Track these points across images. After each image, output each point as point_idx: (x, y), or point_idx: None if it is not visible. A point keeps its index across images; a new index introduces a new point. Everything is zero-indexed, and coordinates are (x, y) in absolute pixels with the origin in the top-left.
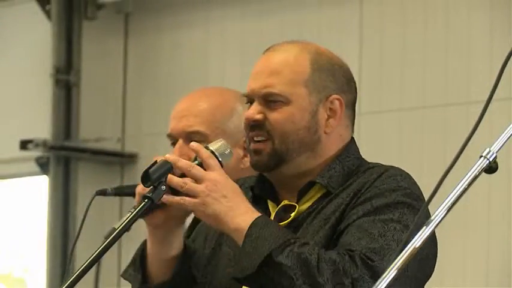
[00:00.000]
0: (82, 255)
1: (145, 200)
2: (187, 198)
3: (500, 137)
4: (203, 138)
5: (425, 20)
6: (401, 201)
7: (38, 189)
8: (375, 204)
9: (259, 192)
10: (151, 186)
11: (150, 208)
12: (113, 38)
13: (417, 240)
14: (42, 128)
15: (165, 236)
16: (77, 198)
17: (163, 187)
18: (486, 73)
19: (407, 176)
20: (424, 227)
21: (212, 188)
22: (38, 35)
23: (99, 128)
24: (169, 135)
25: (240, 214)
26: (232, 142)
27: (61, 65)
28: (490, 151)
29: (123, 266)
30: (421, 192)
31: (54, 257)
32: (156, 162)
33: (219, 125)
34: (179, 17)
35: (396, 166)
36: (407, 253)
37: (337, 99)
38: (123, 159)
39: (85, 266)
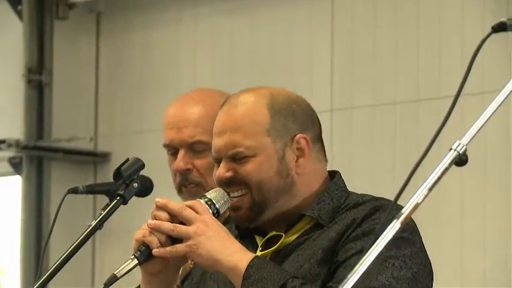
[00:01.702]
0: (55, 254)
1: (118, 198)
2: (178, 245)
3: (470, 130)
4: (205, 147)
5: (396, 16)
6: (398, 236)
7: (11, 189)
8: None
9: (245, 228)
10: (124, 184)
11: (147, 256)
12: (85, 37)
13: (387, 235)
14: (15, 128)
15: (161, 283)
16: (50, 198)
17: (135, 185)
18: (458, 68)
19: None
20: (395, 220)
21: (204, 229)
22: (9, 35)
23: (72, 128)
24: (168, 146)
25: (234, 252)
26: None
27: (33, 65)
28: (460, 144)
29: (97, 265)
30: (415, 225)
31: (28, 256)
32: (128, 160)
33: None
34: (150, 16)
35: (388, 199)
36: (377, 247)
37: (303, 137)
38: (96, 158)
39: (57, 265)
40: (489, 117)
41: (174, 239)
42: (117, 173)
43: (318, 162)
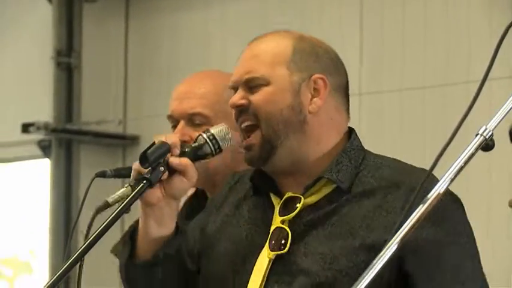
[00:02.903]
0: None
1: (144, 181)
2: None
3: (497, 115)
4: (205, 120)
5: (425, 0)
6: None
7: (40, 172)
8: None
9: (260, 184)
10: (150, 168)
11: (145, 185)
12: (114, 20)
13: (413, 219)
14: (44, 111)
15: (158, 214)
16: (79, 181)
17: (162, 168)
18: (486, 52)
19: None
20: (421, 205)
21: None
22: (39, 18)
23: (101, 111)
24: (170, 117)
25: None
26: (233, 125)
27: (62, 47)
28: (486, 129)
29: None
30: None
31: (56, 239)
32: (154, 143)
33: (221, 108)
34: None
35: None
36: (404, 231)
37: (321, 78)
38: (125, 141)
39: (85, 247)
40: None
41: (170, 172)
42: (143, 157)
43: (336, 113)
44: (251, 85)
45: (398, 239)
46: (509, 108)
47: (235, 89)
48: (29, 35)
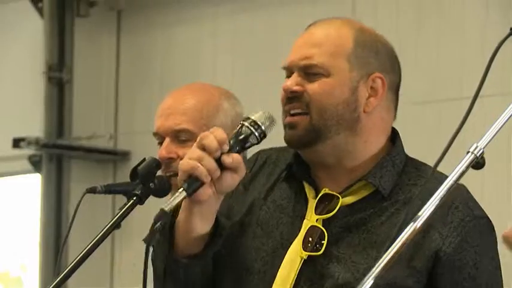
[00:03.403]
0: (74, 252)
1: (134, 198)
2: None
3: (488, 133)
4: (190, 136)
5: (419, 17)
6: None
7: (30, 187)
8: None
9: (297, 171)
10: (140, 184)
11: (195, 187)
12: (106, 35)
13: (404, 237)
14: (35, 126)
15: (206, 211)
16: (69, 196)
17: (152, 185)
18: (479, 69)
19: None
20: (412, 223)
21: None
22: (30, 32)
23: (92, 126)
24: (156, 134)
25: None
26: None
27: (53, 62)
28: (477, 146)
29: (116, 265)
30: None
31: (47, 254)
32: (144, 159)
33: (206, 122)
34: (171, 14)
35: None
36: (394, 249)
37: (380, 77)
38: (116, 157)
39: (75, 263)
40: (507, 120)
41: (221, 168)
42: (134, 173)
43: (387, 113)
44: (309, 72)
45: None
46: (500, 127)
47: (289, 71)
48: (20, 50)
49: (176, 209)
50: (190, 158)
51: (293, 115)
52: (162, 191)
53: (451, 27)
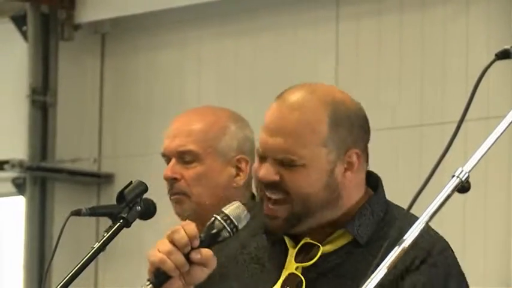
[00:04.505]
0: (58, 275)
1: (121, 221)
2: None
3: (473, 157)
4: (195, 157)
5: (401, 42)
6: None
7: (14, 209)
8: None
9: None
10: (127, 207)
11: (163, 280)
12: (90, 58)
13: (388, 261)
14: (19, 149)
15: None
16: (53, 219)
17: (138, 208)
18: (462, 94)
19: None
20: (396, 247)
21: None
22: (14, 55)
23: (76, 149)
24: (163, 155)
25: None
26: (224, 161)
27: (38, 85)
28: (462, 170)
29: (100, 287)
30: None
31: (31, 277)
32: (131, 182)
33: (212, 144)
34: (155, 37)
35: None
36: (379, 273)
37: (355, 153)
38: (100, 179)
39: (60, 286)
40: (491, 145)
41: (191, 262)
42: (120, 196)
43: (361, 172)
44: (287, 164)
45: (374, 282)
46: (485, 151)
47: (263, 159)
48: (4, 73)
49: None
50: (160, 251)
51: (274, 201)
52: (148, 214)
53: (433, 52)
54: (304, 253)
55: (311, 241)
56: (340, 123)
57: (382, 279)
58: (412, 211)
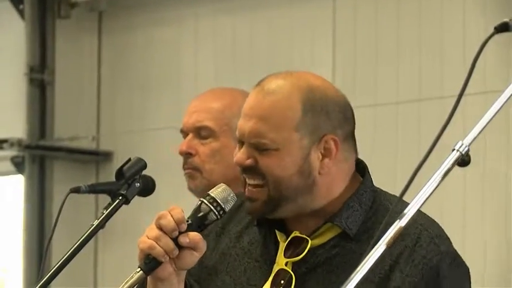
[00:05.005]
0: (58, 253)
1: (120, 198)
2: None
3: (473, 130)
4: (210, 133)
5: (398, 16)
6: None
7: (13, 188)
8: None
9: (265, 220)
10: (126, 184)
11: (153, 266)
12: (87, 36)
13: (389, 235)
14: (17, 127)
15: (168, 286)
16: (52, 197)
17: (137, 184)
18: (460, 68)
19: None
20: (397, 221)
21: None
22: (11, 34)
23: (74, 127)
24: (181, 131)
25: None
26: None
27: (35, 64)
28: (462, 144)
29: (100, 266)
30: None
31: (30, 255)
32: (130, 159)
33: (227, 122)
34: (152, 15)
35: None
36: (380, 247)
37: (332, 138)
38: (98, 157)
39: (60, 264)
40: (491, 118)
41: (180, 246)
42: (119, 173)
43: (344, 162)
44: (260, 147)
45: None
46: (485, 124)
47: (241, 143)
48: (2, 51)
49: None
50: (149, 237)
51: (252, 186)
52: (147, 191)
53: (430, 27)
54: (294, 247)
55: (300, 235)
56: (314, 109)
57: (373, 270)
58: (412, 186)
